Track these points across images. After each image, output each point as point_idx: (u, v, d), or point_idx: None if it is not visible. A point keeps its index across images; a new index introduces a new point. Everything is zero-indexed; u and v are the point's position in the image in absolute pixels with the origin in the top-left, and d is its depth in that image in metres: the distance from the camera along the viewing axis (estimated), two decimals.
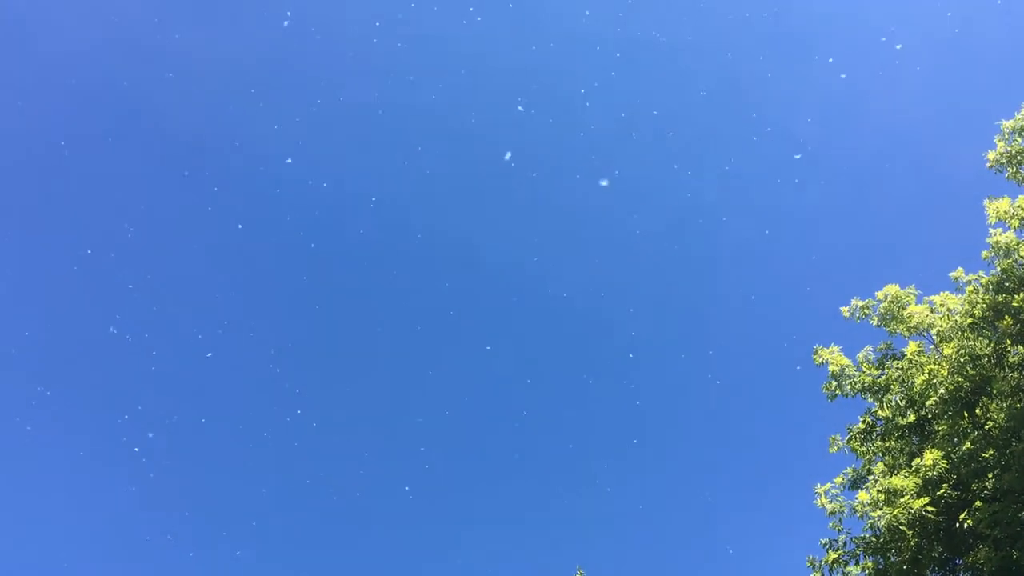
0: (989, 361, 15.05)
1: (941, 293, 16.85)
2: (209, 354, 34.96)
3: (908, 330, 16.88)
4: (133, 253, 35.04)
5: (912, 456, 15.66)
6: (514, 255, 37.23)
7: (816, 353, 17.84)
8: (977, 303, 15.58)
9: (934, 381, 15.54)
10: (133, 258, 35.08)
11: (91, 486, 34.81)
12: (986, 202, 16.46)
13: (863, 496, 15.58)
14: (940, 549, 14.46)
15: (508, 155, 35.21)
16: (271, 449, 36.07)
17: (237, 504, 36.35)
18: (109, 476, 34.81)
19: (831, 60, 34.31)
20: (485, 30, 34.08)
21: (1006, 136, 17.07)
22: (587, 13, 33.91)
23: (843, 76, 33.92)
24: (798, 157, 35.64)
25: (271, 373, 36.47)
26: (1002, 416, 14.09)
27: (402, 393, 38.14)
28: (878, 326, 17.34)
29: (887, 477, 15.21)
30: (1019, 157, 16.91)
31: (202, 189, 35.49)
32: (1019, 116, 17.07)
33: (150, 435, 34.84)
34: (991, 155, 17.20)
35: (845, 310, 17.76)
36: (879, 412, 16.85)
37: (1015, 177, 17.00)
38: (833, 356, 17.62)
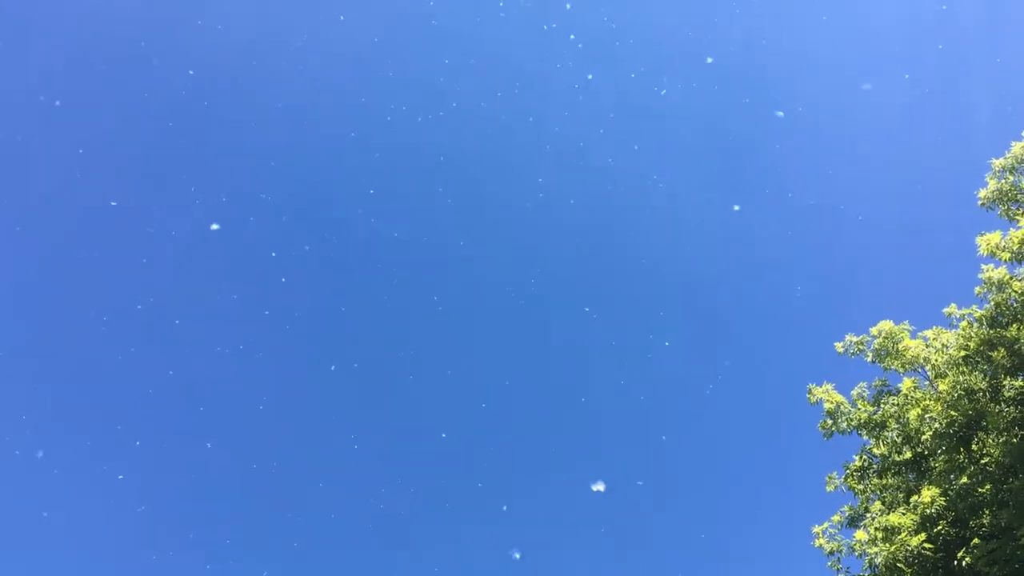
0: (984, 395, 14.93)
1: (934, 328, 16.80)
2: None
3: (903, 366, 16.79)
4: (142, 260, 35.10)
5: (909, 493, 15.47)
6: (517, 267, 37.46)
7: (810, 392, 17.70)
8: (971, 337, 15.51)
9: (927, 416, 15.42)
10: (143, 264, 35.15)
11: (94, 496, 34.43)
12: (978, 238, 16.48)
13: (860, 535, 15.38)
14: None
15: (540, 179, 35.72)
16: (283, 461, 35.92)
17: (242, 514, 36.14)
18: (113, 487, 34.43)
19: (823, 95, 34.86)
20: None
21: (997, 174, 17.17)
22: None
23: (835, 108, 34.49)
24: (790, 195, 36.05)
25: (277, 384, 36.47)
26: (998, 451, 13.94)
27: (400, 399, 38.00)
28: (872, 362, 17.24)
29: (884, 514, 15.00)
30: (1010, 194, 16.99)
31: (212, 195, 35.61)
32: (1009, 155, 17.16)
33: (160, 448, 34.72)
34: (983, 193, 17.27)
35: (839, 346, 17.67)
36: (875, 449, 16.70)
37: (1007, 214, 17.05)
38: (827, 394, 17.49)
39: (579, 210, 36.74)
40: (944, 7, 33.18)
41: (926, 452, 15.61)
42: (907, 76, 33.73)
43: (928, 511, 14.23)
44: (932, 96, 33.58)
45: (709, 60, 34.96)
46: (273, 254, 35.49)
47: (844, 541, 16.24)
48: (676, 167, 36.29)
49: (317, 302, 37.22)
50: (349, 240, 37.04)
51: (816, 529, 16.74)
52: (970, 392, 15.00)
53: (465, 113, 35.40)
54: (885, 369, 17.09)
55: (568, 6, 34.63)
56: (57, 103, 33.34)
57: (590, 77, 35.45)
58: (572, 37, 35.03)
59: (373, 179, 36.31)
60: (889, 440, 16.29)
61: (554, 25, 34.87)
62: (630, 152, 35.95)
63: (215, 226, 34.25)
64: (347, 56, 35.18)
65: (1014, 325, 14.90)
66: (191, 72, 33.98)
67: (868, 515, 15.74)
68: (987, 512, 13.77)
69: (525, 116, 35.93)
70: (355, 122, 35.64)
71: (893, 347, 16.83)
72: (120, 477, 33.54)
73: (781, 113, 34.49)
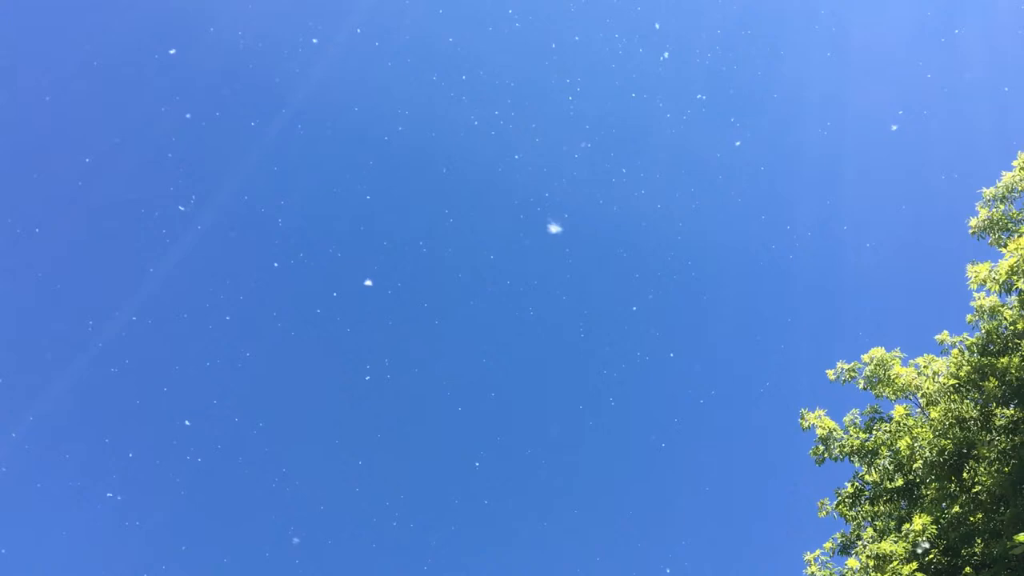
0: (975, 424, 14.95)
1: (925, 355, 16.83)
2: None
3: (894, 393, 16.81)
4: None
5: (901, 521, 15.46)
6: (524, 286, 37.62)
7: (802, 417, 17.68)
8: (963, 365, 15.55)
9: (916, 445, 15.44)
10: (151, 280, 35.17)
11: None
12: (968, 267, 16.57)
13: (852, 563, 15.38)
14: None
15: (546, 194, 35.90)
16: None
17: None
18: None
19: (820, 129, 35.12)
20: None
21: (987, 202, 17.29)
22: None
23: (826, 133, 34.79)
24: (788, 228, 36.27)
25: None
26: (990, 481, 13.95)
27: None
28: (864, 389, 17.26)
29: (876, 542, 14.99)
30: (1000, 223, 17.12)
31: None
32: (1000, 183, 17.30)
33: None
34: (973, 222, 17.38)
35: (831, 373, 17.68)
36: (867, 476, 16.68)
37: (997, 243, 17.17)
38: (820, 420, 17.48)
39: (580, 219, 36.95)
40: (957, 30, 33.55)
41: (917, 480, 15.61)
42: (901, 112, 34.11)
43: (919, 539, 14.22)
44: (932, 123, 33.97)
45: (711, 76, 35.37)
46: (276, 264, 35.52)
47: (836, 569, 16.19)
48: (677, 184, 36.57)
49: (317, 308, 37.20)
50: (351, 245, 37.21)
51: (808, 557, 16.70)
52: (961, 421, 15.04)
53: (470, 123, 35.65)
54: (877, 396, 17.13)
55: (576, 21, 35.14)
56: (67, 106, 33.57)
57: (579, 90, 35.86)
58: (578, 52, 35.53)
59: (375, 185, 36.46)
60: (881, 467, 16.27)
61: (576, 38, 35.45)
62: (631, 167, 36.23)
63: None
64: (357, 64, 35.50)
65: (1005, 356, 14.95)
66: (199, 77, 34.25)
67: (860, 543, 15.72)
68: (979, 541, 13.76)
69: (528, 127, 36.21)
70: (361, 129, 35.90)
71: (885, 374, 16.84)
72: (109, 495, 33.34)
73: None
